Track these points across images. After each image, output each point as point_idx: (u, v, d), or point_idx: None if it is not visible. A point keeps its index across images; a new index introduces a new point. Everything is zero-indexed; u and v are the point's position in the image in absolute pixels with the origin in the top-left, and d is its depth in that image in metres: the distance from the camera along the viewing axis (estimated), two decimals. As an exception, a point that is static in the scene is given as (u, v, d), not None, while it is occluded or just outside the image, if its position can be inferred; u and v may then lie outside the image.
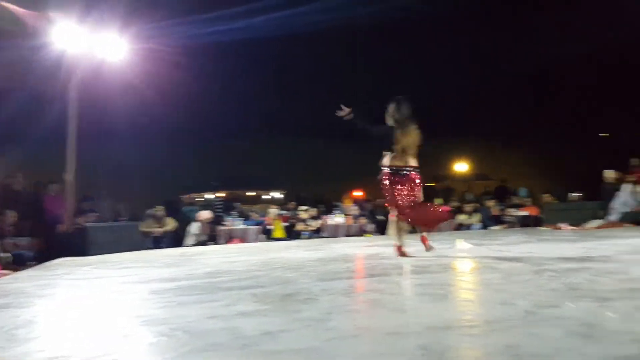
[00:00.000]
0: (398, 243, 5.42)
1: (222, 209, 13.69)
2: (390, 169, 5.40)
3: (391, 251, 5.75)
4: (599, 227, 10.35)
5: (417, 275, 3.89)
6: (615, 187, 11.97)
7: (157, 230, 10.45)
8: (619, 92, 18.97)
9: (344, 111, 5.55)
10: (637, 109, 19.11)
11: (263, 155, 20.28)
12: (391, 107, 5.46)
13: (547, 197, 13.58)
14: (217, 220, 11.89)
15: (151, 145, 18.06)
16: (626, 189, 11.39)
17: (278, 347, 1.87)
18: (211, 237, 11.08)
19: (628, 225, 10.51)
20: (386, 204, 5.68)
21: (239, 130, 19.31)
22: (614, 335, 1.83)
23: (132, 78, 11.92)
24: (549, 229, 11.00)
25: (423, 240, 5.47)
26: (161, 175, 18.30)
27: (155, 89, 14.55)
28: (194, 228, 10.78)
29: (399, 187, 5.36)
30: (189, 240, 10.68)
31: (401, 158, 5.37)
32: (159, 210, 10.77)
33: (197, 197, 16.84)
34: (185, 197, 15.72)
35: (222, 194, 18.72)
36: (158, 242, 10.30)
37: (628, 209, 11.01)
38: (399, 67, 18.85)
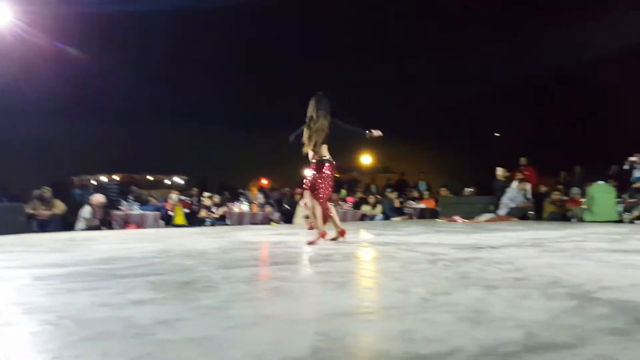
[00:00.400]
0: (322, 229, 5.70)
1: (118, 193, 13.13)
2: (315, 161, 5.72)
3: (296, 239, 5.86)
4: (488, 221, 11.02)
5: (319, 264, 3.92)
6: (505, 184, 12.79)
7: (44, 212, 9.82)
8: (511, 97, 20.23)
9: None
10: (528, 113, 20.54)
11: (165, 138, 19.52)
12: (311, 103, 5.73)
13: (443, 191, 14.24)
14: (111, 205, 11.39)
15: (41, 121, 16.82)
16: (514, 186, 12.20)
17: (173, 336, 1.80)
18: (105, 222, 10.58)
19: (515, 219, 11.28)
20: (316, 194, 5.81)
21: (138, 111, 18.44)
22: (500, 321, 1.93)
23: (19, 47, 11.06)
24: (444, 221, 11.55)
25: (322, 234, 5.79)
26: (51, 155, 17.14)
27: (47, 60, 13.64)
28: (86, 212, 10.24)
29: (320, 178, 5.69)
30: (80, 224, 10.13)
31: (316, 150, 5.71)
32: (46, 191, 10.11)
33: (91, 179, 15.94)
34: (77, 179, 14.87)
35: (118, 177, 17.85)
36: (45, 226, 9.68)
37: (515, 205, 11.80)
38: (306, 53, 18.81)
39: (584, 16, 15.61)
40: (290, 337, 1.77)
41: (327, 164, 5.69)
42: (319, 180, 5.67)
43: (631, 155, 11.81)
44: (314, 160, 5.74)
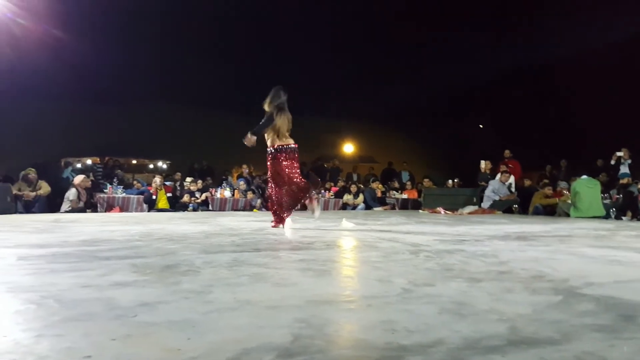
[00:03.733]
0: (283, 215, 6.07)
1: (102, 176, 13.01)
2: (275, 149, 6.06)
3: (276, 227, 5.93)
4: (472, 213, 11.07)
5: (301, 252, 3.91)
6: (489, 176, 12.87)
7: (29, 193, 9.72)
8: (497, 90, 20.31)
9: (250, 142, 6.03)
10: (513, 105, 20.67)
11: (149, 122, 19.28)
12: (271, 94, 6.08)
13: (426, 182, 14.30)
14: (96, 187, 11.31)
15: (29, 101, 16.54)
16: (498, 179, 12.28)
17: (154, 319, 1.79)
18: (89, 204, 10.51)
19: (498, 212, 11.34)
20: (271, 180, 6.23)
21: (124, 94, 18.19)
22: (483, 314, 1.93)
23: (8, 27, 10.89)
24: (426, 212, 11.60)
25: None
26: (39, 136, 16.86)
27: (34, 40, 13.45)
28: (71, 194, 10.15)
29: (283, 164, 6.01)
30: (65, 206, 10.05)
31: (280, 138, 6.05)
32: (31, 172, 10.01)
33: (76, 161, 15.80)
34: (64, 161, 14.76)
35: (97, 160, 17.63)
36: (29, 207, 9.60)
37: (498, 197, 11.88)
38: (297, 36, 18.53)
39: (571, 13, 15.75)
40: (271, 324, 1.76)
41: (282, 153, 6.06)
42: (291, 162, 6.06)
43: (618, 150, 11.94)
44: (273, 150, 6.07)
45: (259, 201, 12.32)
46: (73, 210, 9.91)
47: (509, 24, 17.48)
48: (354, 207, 13.09)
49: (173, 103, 19.22)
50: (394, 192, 14.41)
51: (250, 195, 12.40)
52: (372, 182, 14.30)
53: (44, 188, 9.99)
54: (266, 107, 6.08)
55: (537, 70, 18.22)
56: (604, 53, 15.83)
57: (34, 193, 9.77)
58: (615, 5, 14.74)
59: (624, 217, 9.95)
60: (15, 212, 9.19)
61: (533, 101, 19.84)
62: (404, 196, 14.07)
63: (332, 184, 14.32)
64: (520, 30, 17.28)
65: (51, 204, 10.13)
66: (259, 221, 7.23)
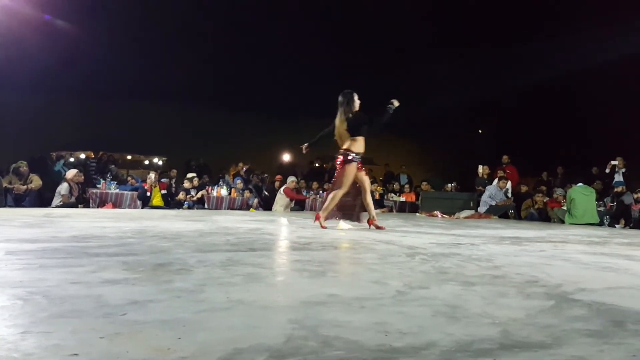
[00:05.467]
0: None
1: (96, 171, 12.96)
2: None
3: (272, 227, 5.91)
4: (468, 217, 11.08)
5: (296, 252, 3.90)
6: (486, 181, 12.88)
7: (20, 187, 9.65)
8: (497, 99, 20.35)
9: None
10: (512, 113, 20.73)
11: (145, 118, 19.14)
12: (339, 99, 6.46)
13: (424, 186, 14.29)
14: (88, 182, 11.26)
15: (23, 93, 16.45)
16: (495, 184, 12.29)
17: (144, 318, 1.76)
18: (81, 199, 10.46)
19: (495, 217, 11.36)
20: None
21: (120, 89, 18.09)
22: (476, 317, 1.92)
23: (6, 17, 10.85)
24: (424, 215, 11.60)
25: (370, 222, 6.52)
26: (31, 128, 16.76)
27: (33, 31, 13.41)
28: (63, 188, 10.09)
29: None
30: (56, 200, 9.99)
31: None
32: (22, 165, 9.94)
33: (69, 155, 15.73)
34: (55, 154, 14.67)
35: (91, 154, 17.51)
36: (20, 200, 9.53)
37: (495, 203, 11.89)
38: (301, 33, 18.40)
39: (563, 32, 15.89)
40: (264, 324, 1.74)
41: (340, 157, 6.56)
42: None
43: (613, 159, 11.98)
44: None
45: (255, 200, 12.29)
46: (64, 205, 9.85)
47: (517, 40, 17.57)
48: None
49: (170, 99, 19.13)
50: (392, 194, 14.40)
51: (247, 194, 12.36)
52: (372, 184, 14.28)
53: (36, 182, 9.90)
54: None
55: (541, 84, 18.31)
56: (608, 66, 15.93)
57: (25, 187, 9.69)
58: (618, 21, 14.83)
59: (617, 225, 9.99)
60: (4, 206, 9.12)
61: (535, 112, 19.90)
62: (402, 199, 14.06)
63: (330, 185, 14.26)
64: (529, 46, 17.37)
65: (41, 198, 10.06)
66: (255, 221, 7.21)
